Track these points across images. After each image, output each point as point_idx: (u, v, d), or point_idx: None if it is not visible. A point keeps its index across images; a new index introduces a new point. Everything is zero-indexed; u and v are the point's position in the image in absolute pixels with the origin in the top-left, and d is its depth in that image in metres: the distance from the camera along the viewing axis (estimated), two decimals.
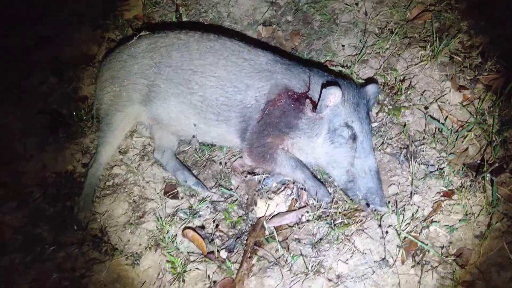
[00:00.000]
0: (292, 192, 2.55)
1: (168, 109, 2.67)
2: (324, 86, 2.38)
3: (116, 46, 3.09)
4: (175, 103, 2.64)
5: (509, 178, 2.37)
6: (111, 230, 2.56)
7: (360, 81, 2.95)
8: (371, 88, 2.53)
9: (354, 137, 2.39)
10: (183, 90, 2.60)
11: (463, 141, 2.57)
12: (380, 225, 2.34)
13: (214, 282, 2.30)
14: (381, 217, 2.37)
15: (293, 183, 2.57)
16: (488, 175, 2.31)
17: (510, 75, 2.57)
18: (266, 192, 2.58)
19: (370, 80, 2.90)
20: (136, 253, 2.44)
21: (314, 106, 2.43)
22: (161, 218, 2.52)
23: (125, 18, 3.55)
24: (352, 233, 2.34)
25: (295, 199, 2.52)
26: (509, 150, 2.47)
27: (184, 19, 3.53)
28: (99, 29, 3.50)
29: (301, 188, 2.53)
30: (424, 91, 2.81)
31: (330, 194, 2.49)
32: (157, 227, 2.53)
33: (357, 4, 3.35)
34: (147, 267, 2.40)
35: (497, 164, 2.37)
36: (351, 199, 2.44)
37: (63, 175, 2.81)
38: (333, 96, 2.35)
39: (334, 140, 2.42)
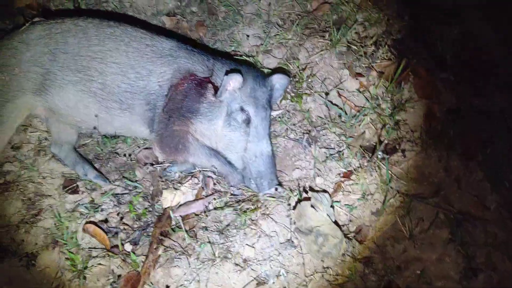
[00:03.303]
0: (199, 180, 2.52)
1: (66, 98, 2.52)
2: (227, 72, 2.39)
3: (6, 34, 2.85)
4: (73, 91, 2.51)
5: (401, 157, 2.53)
6: (2, 231, 2.35)
7: (266, 70, 3.00)
8: (279, 79, 2.57)
9: (248, 122, 2.43)
10: (82, 77, 2.48)
11: (360, 125, 2.70)
12: (289, 204, 2.39)
13: (119, 276, 2.21)
14: (288, 199, 2.42)
15: (200, 171, 2.54)
16: (380, 153, 2.45)
17: (399, 62, 2.75)
18: (171, 181, 2.53)
19: (279, 70, 2.93)
20: (32, 253, 2.27)
21: (216, 90, 2.44)
22: (59, 214, 2.37)
23: (16, 6, 3.29)
24: (258, 218, 2.37)
25: (202, 188, 2.50)
26: (400, 132, 2.64)
27: (83, 8, 3.36)
28: None
29: (208, 176, 2.51)
30: (325, 78, 2.92)
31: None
32: (55, 224, 2.37)
33: None
34: (44, 266, 2.24)
35: (388, 143, 2.54)
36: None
37: None
38: (233, 81, 2.38)
39: (230, 123, 2.44)
